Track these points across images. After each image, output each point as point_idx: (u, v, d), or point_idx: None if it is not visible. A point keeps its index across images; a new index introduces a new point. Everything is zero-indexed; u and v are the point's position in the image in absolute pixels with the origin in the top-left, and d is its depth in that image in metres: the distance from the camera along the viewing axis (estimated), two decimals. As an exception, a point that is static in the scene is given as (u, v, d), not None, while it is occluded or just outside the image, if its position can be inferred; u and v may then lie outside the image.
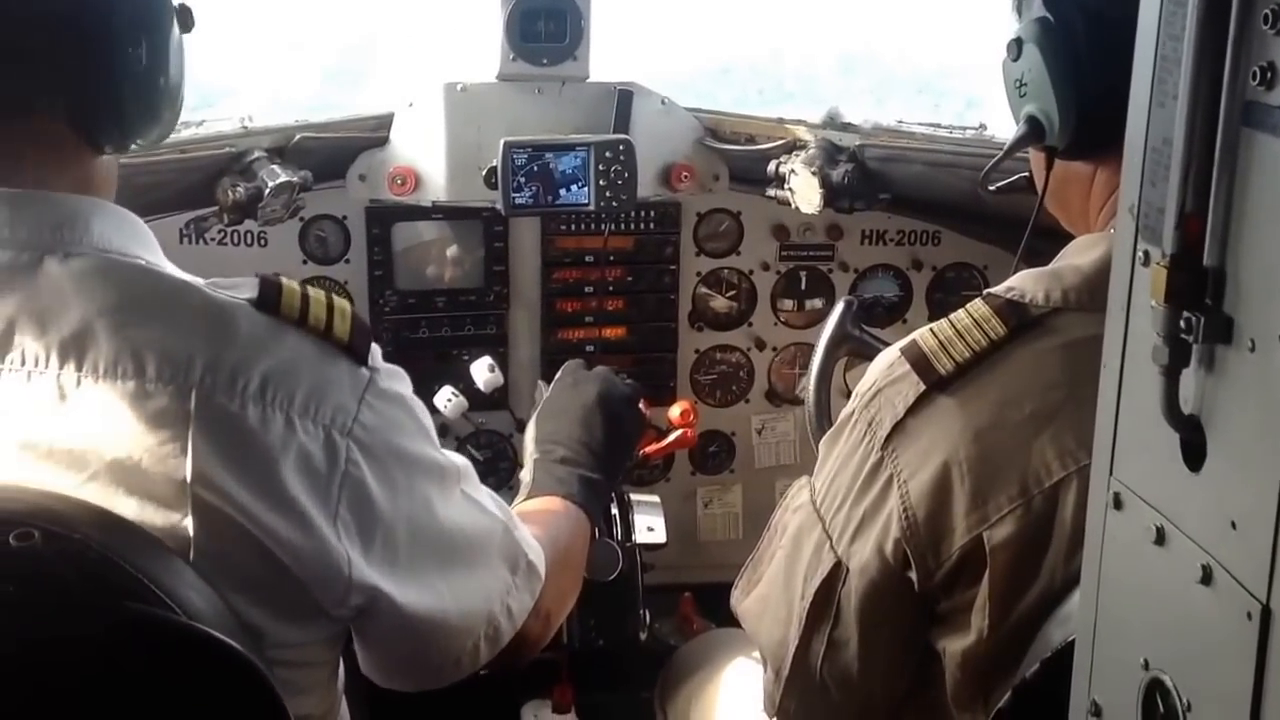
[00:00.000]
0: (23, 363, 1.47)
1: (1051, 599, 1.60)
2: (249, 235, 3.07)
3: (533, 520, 1.98)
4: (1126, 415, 1.19)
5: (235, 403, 1.49)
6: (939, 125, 2.93)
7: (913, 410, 1.72)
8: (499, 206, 2.95)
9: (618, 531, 2.69)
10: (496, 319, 3.27)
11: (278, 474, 1.50)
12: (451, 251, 3.21)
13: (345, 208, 3.15)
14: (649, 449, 2.78)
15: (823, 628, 1.83)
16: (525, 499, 2.20)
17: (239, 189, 2.77)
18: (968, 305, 1.74)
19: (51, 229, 1.54)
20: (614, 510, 2.72)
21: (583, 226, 3.26)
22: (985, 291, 1.75)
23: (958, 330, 1.72)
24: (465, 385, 3.00)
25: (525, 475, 2.28)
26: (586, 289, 3.30)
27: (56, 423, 1.47)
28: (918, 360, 1.73)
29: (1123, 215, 1.18)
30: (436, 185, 3.00)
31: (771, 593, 1.95)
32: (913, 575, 1.72)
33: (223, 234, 3.01)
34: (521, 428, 3.17)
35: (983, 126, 2.92)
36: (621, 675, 2.87)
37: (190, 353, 1.48)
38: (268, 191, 2.77)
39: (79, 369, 1.47)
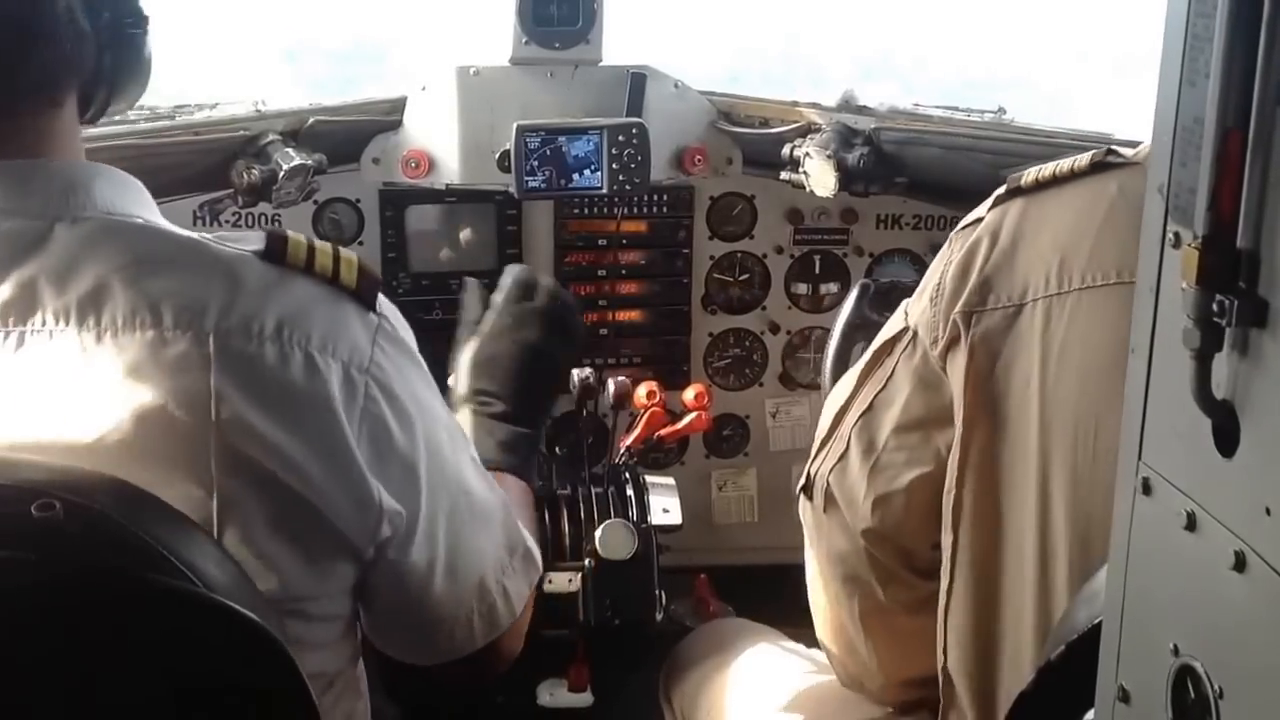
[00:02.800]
0: (43, 324, 1.49)
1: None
2: (263, 217, 3.07)
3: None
4: (1156, 399, 1.16)
5: (253, 344, 1.51)
6: (956, 109, 2.92)
7: (990, 210, 1.86)
8: (512, 190, 2.94)
9: (633, 513, 2.68)
10: (510, 302, 3.26)
11: (302, 409, 1.52)
12: (464, 234, 3.21)
13: (359, 190, 3.15)
14: (663, 432, 2.78)
15: (871, 388, 1.97)
16: None
17: (254, 171, 2.76)
18: None
19: (59, 196, 1.56)
20: (629, 492, 2.71)
21: (596, 210, 3.25)
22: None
23: (1056, 162, 1.83)
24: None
25: (463, 416, 2.20)
26: (600, 272, 3.30)
27: (81, 378, 1.49)
28: (1013, 176, 1.86)
29: (1151, 195, 1.17)
30: (450, 169, 2.99)
31: (847, 377, 2.07)
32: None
33: (236, 216, 3.01)
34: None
35: (1001, 110, 2.92)
36: (637, 655, 2.86)
37: (204, 300, 1.51)
38: (282, 174, 2.76)
39: (98, 324, 1.49)
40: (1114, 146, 1.78)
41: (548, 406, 2.32)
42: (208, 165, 2.82)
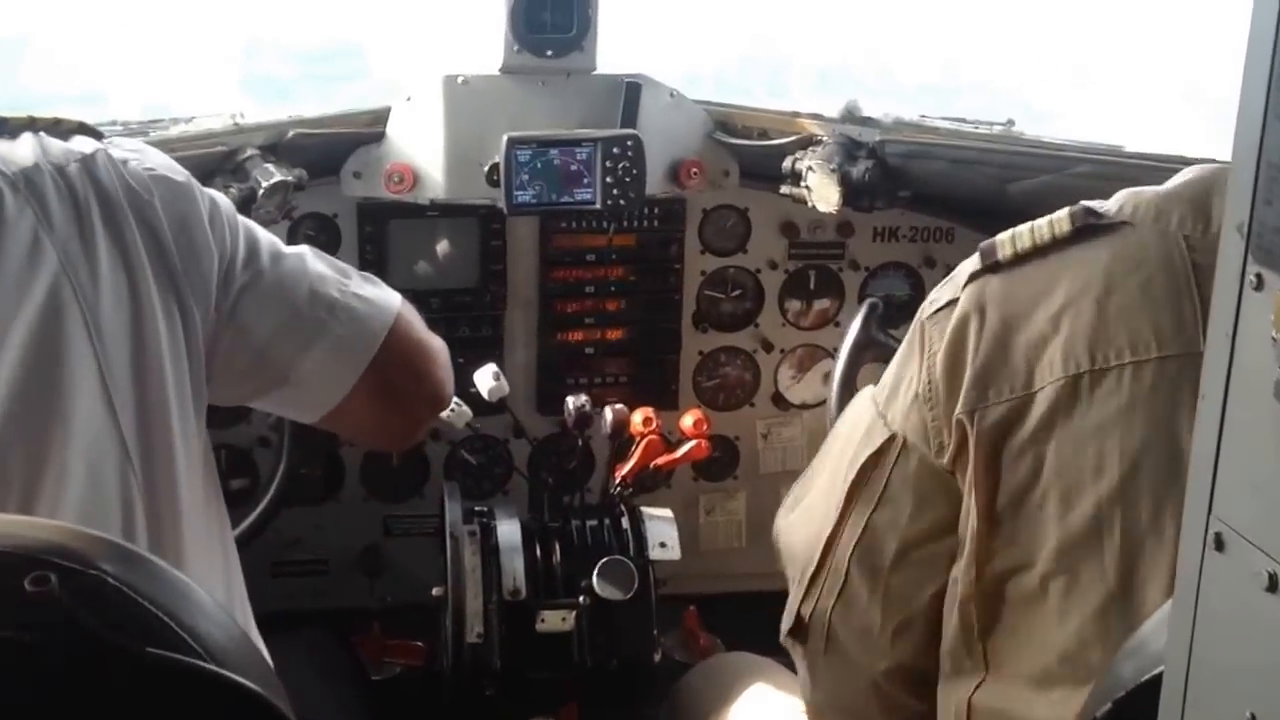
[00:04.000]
0: None
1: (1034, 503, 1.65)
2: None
3: None
4: (1231, 451, 1.10)
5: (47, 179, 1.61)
6: (964, 120, 2.83)
7: (964, 288, 1.74)
8: (501, 205, 2.82)
9: (630, 548, 2.58)
10: (493, 320, 3.15)
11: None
12: (446, 250, 3.09)
13: (336, 205, 3.02)
14: (660, 461, 2.68)
15: (862, 509, 1.83)
16: None
17: (231, 190, 2.63)
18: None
19: None
20: (625, 524, 2.61)
21: (583, 224, 3.13)
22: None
23: (1031, 229, 1.73)
24: (467, 391, 2.86)
25: None
26: (587, 288, 3.18)
27: None
28: (986, 249, 1.75)
29: (1229, 234, 1.09)
30: (435, 183, 2.87)
31: (815, 500, 1.94)
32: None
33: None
34: (518, 433, 3.09)
35: (1010, 122, 2.82)
36: (628, 694, 2.76)
37: None
38: (261, 192, 2.64)
39: None
40: (1091, 206, 1.69)
41: None
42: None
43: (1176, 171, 2.38)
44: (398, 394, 1.97)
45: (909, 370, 1.78)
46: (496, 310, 3.14)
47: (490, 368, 2.82)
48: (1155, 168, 2.46)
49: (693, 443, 2.68)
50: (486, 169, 2.79)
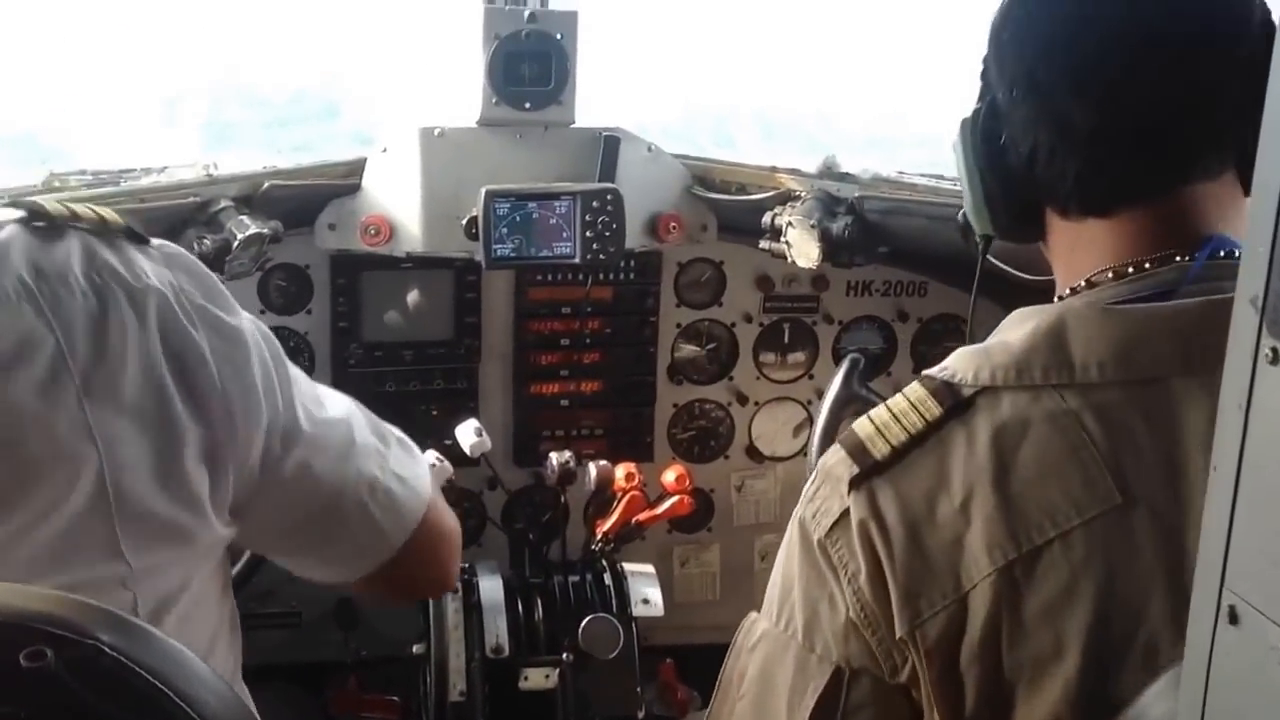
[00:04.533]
0: None
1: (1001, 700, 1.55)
2: (209, 287, 2.90)
3: None
4: (1244, 523, 1.08)
5: (67, 288, 1.46)
6: (942, 177, 2.83)
7: (850, 496, 1.62)
8: (479, 258, 2.81)
9: (613, 604, 2.56)
10: (468, 373, 3.13)
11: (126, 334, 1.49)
12: (420, 302, 3.06)
13: (308, 256, 2.99)
14: (642, 517, 2.66)
15: None
16: None
17: (205, 241, 2.60)
18: (905, 388, 1.66)
19: None
20: (608, 581, 2.59)
21: (558, 277, 3.12)
22: (922, 373, 1.68)
23: (894, 414, 1.64)
24: (444, 445, 2.84)
25: None
26: (562, 341, 3.17)
27: None
28: (854, 448, 1.64)
29: (1241, 308, 1.09)
30: (411, 236, 2.85)
31: None
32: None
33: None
34: (493, 485, 3.06)
35: (988, 179, 2.83)
36: None
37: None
38: (236, 244, 2.60)
39: None
40: (947, 379, 1.62)
41: None
42: (154, 234, 2.65)
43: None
44: (410, 578, 1.91)
45: (823, 593, 1.66)
46: (471, 363, 3.12)
47: (472, 423, 2.80)
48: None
49: (675, 498, 2.67)
50: (465, 222, 2.77)
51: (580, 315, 3.14)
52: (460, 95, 2.86)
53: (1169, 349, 1.58)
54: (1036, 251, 1.82)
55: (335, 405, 1.75)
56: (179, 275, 1.57)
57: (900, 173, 2.88)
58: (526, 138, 2.86)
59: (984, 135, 1.78)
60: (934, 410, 1.62)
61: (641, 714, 2.58)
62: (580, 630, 2.47)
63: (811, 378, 3.32)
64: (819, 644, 1.65)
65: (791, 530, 1.71)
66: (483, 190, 2.74)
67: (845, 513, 1.63)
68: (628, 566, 2.67)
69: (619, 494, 2.69)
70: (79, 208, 1.56)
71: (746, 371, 3.32)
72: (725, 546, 3.42)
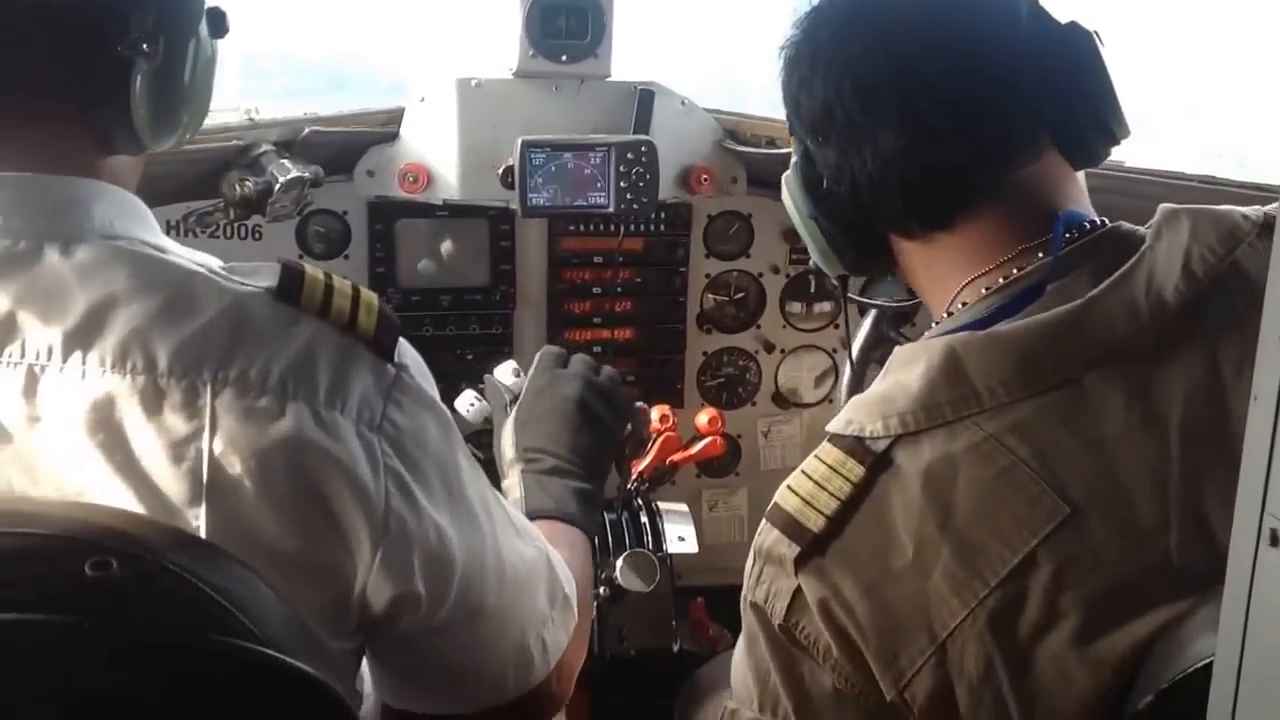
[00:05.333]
0: (23, 355, 1.37)
1: None
2: (242, 229, 2.96)
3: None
4: None
5: (250, 397, 1.38)
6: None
7: (799, 576, 1.60)
8: (514, 207, 2.87)
9: (648, 541, 2.62)
10: (502, 319, 3.19)
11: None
12: (457, 250, 3.12)
13: (346, 203, 3.05)
14: (676, 457, 2.72)
15: None
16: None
17: (247, 184, 2.66)
18: (817, 452, 1.64)
19: (49, 215, 1.43)
20: (644, 519, 2.65)
21: (591, 227, 3.18)
22: (829, 433, 1.65)
23: (816, 482, 1.61)
24: (482, 390, 2.90)
25: (512, 489, 2.14)
26: (595, 290, 3.22)
27: (60, 422, 1.37)
28: (788, 525, 1.61)
29: None
30: (449, 184, 2.91)
31: None
32: None
33: (214, 227, 2.87)
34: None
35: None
36: (641, 683, 2.80)
37: (204, 345, 1.38)
38: (278, 187, 2.66)
39: (84, 362, 1.36)
40: (859, 435, 1.60)
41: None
42: (197, 175, 2.72)
43: (1176, 187, 2.43)
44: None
45: (804, 670, 1.65)
46: (506, 309, 3.19)
47: (510, 364, 2.84)
48: (1155, 182, 2.51)
49: (708, 439, 2.72)
50: (501, 171, 2.83)
51: (612, 265, 3.20)
52: (497, 47, 2.91)
53: (1067, 352, 1.58)
54: None
55: (525, 565, 1.68)
56: (392, 406, 1.47)
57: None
58: (563, 90, 2.91)
59: (806, 184, 1.80)
60: (856, 470, 1.58)
61: (676, 647, 2.64)
62: (618, 564, 2.53)
63: (837, 327, 3.39)
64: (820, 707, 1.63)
65: (748, 618, 1.69)
66: (519, 140, 2.80)
67: (798, 591, 1.59)
68: (663, 505, 2.73)
69: (654, 435, 2.74)
70: (338, 294, 1.48)
71: (773, 321, 3.38)
72: (752, 490, 3.50)
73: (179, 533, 1.36)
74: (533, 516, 2.00)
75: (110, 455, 1.36)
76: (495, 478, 2.87)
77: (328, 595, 1.46)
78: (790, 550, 1.60)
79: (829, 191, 1.77)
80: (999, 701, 1.52)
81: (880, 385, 1.67)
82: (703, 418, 2.78)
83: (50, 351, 1.37)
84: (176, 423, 1.36)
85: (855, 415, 1.64)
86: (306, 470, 1.40)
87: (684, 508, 2.78)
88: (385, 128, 2.94)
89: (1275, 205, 1.71)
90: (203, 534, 1.37)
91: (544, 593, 1.71)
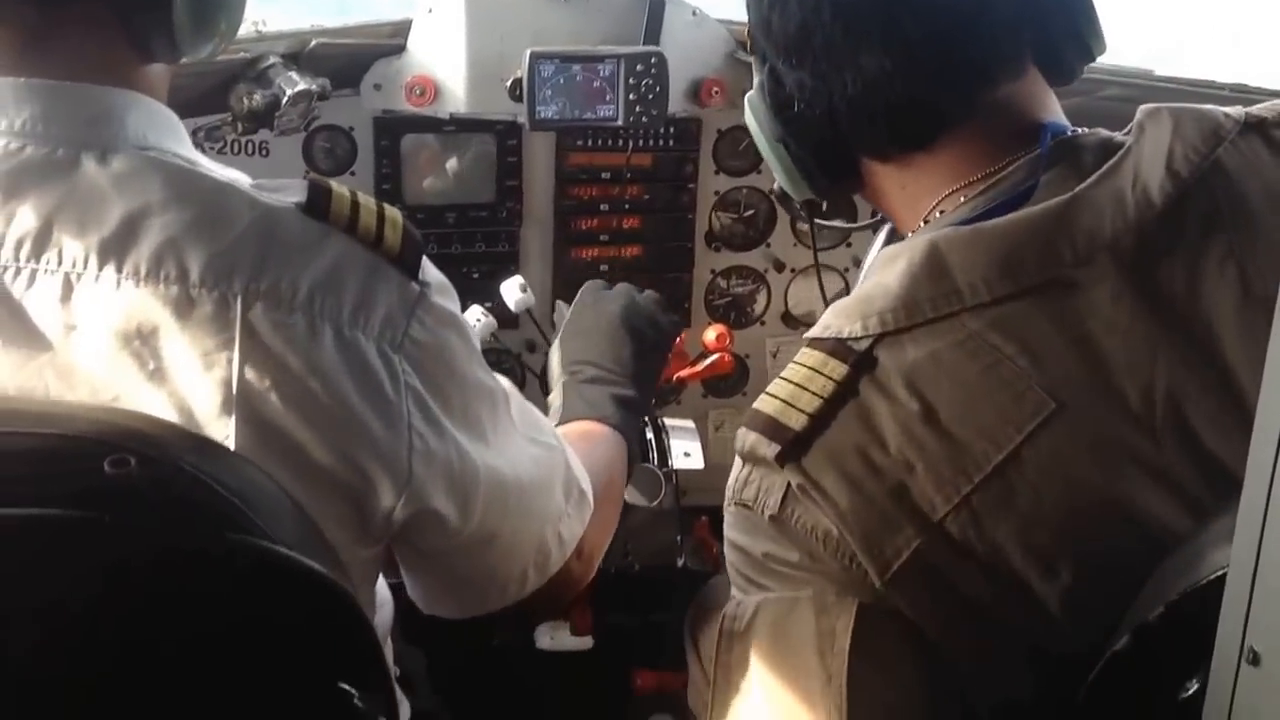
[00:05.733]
0: (59, 264, 1.40)
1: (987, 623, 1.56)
2: (249, 145, 2.94)
3: (576, 446, 1.93)
4: None
5: (282, 311, 1.42)
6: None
7: (785, 471, 1.60)
8: (522, 120, 2.84)
9: (654, 457, 2.62)
10: (508, 235, 3.17)
11: (329, 384, 1.44)
12: (463, 165, 3.09)
13: (353, 118, 3.02)
14: (684, 373, 2.72)
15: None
16: (558, 425, 2.13)
17: (255, 97, 2.64)
18: (796, 357, 1.65)
19: (86, 124, 1.45)
20: (649, 435, 2.65)
21: (599, 142, 3.14)
22: (807, 338, 1.66)
23: (797, 384, 1.62)
24: (492, 304, 2.89)
25: (554, 399, 2.22)
26: (602, 206, 3.20)
27: (94, 329, 1.40)
28: (767, 426, 1.62)
29: None
30: (456, 97, 2.87)
31: None
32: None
33: (221, 143, 2.87)
34: (531, 347, 3.12)
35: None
36: (644, 599, 2.82)
37: (235, 257, 1.41)
38: (285, 100, 2.64)
39: (119, 270, 1.39)
40: (840, 336, 1.61)
41: (642, 371, 2.26)
42: (204, 89, 2.69)
43: (1206, 97, 2.41)
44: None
45: (801, 552, 1.63)
46: (513, 226, 3.16)
47: (517, 279, 2.85)
48: (1184, 91, 2.49)
49: (715, 355, 2.71)
50: (509, 84, 2.80)
51: (620, 181, 3.17)
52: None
53: (1053, 247, 1.57)
54: None
55: (543, 469, 1.74)
56: (415, 324, 1.51)
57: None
58: (571, 1, 2.87)
59: (775, 106, 1.78)
60: (839, 369, 1.59)
61: (681, 563, 2.65)
62: None
63: (849, 245, 3.36)
64: (827, 589, 1.61)
65: (735, 516, 1.69)
66: (527, 52, 2.76)
67: (789, 486, 1.60)
68: (669, 421, 2.73)
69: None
70: (364, 210, 1.50)
71: (784, 239, 3.35)
72: (759, 410, 3.48)
73: (196, 436, 1.40)
74: (569, 419, 2.10)
75: (143, 364, 1.40)
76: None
77: (350, 508, 1.49)
78: (771, 449, 1.60)
79: (800, 114, 1.75)
80: (979, 593, 1.55)
81: (861, 287, 1.67)
82: (710, 334, 2.77)
83: (86, 260, 1.39)
84: (207, 334, 1.39)
85: (834, 319, 1.64)
86: (331, 387, 1.43)
87: (690, 424, 2.78)
88: (392, 39, 2.90)
89: (1262, 105, 1.72)
90: (231, 445, 1.40)
91: (560, 490, 1.76)
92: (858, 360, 1.59)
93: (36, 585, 1.23)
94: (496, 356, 3.19)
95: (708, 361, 2.71)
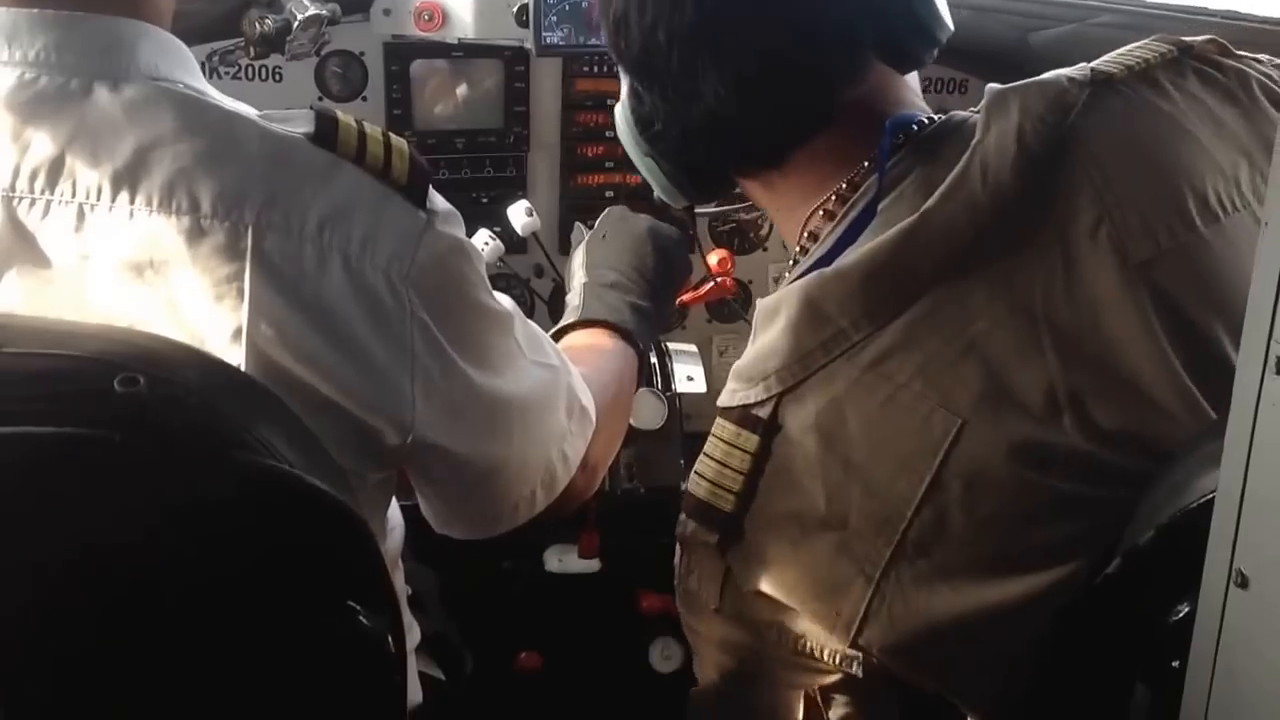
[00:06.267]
0: (73, 194, 1.42)
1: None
2: (263, 70, 2.95)
3: (583, 359, 1.97)
4: None
5: (292, 242, 1.43)
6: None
7: (729, 559, 1.65)
8: (529, 46, 2.85)
9: (657, 381, 2.65)
10: (516, 161, 3.18)
11: (337, 315, 1.46)
12: (471, 91, 3.11)
13: (363, 43, 3.03)
14: (687, 297, 2.74)
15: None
16: (573, 323, 2.17)
17: (266, 21, 2.66)
18: (713, 429, 1.69)
19: (99, 54, 1.46)
20: (652, 359, 2.68)
21: (605, 69, 3.14)
22: (719, 406, 1.69)
23: (719, 461, 1.66)
24: (500, 228, 2.91)
25: (573, 298, 2.25)
26: (608, 133, 3.19)
27: (107, 258, 1.42)
28: (700, 511, 1.67)
29: None
30: (464, 22, 2.88)
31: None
32: None
33: (235, 68, 2.89)
34: (539, 272, 3.14)
35: (1037, -32, 2.83)
36: (649, 522, 2.85)
37: (246, 188, 1.43)
38: (296, 25, 2.66)
39: (131, 201, 1.41)
40: (744, 404, 1.66)
41: (661, 285, 2.30)
42: (217, 14, 2.70)
43: (1198, 24, 2.40)
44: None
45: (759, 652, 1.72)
46: (520, 152, 3.18)
47: (523, 203, 2.87)
48: (1177, 19, 2.48)
49: (718, 279, 2.73)
50: (515, 9, 2.81)
51: None
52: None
53: (916, 267, 1.56)
54: None
55: (545, 389, 1.76)
56: (423, 252, 1.52)
57: (946, -37, 2.88)
58: (579, -75, 2.87)
59: (639, 123, 1.79)
60: (751, 440, 1.63)
61: (684, 486, 2.67)
62: None
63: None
64: (778, 672, 1.72)
65: (684, 600, 1.75)
66: (534, -23, 2.77)
67: (728, 573, 1.65)
68: (672, 346, 2.75)
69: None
70: (371, 140, 1.51)
71: (790, 166, 3.34)
72: (762, 336, 3.49)
73: (207, 355, 1.41)
74: (584, 320, 2.12)
75: (155, 293, 1.42)
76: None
77: (357, 436, 1.51)
78: (711, 536, 1.65)
79: (661, 133, 1.76)
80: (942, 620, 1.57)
81: (752, 347, 1.68)
82: (712, 258, 2.79)
83: (99, 190, 1.41)
84: (218, 263, 1.41)
85: (737, 384, 1.67)
86: (338, 317, 1.45)
87: (693, 348, 2.80)
88: (400, -35, 2.91)
89: (1109, 60, 1.69)
90: (243, 369, 1.43)
91: (563, 409, 1.78)
92: (766, 428, 1.61)
93: (47, 503, 1.26)
94: (505, 281, 3.22)
95: (710, 285, 2.73)
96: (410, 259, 1.49)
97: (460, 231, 1.60)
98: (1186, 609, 1.33)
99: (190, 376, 1.34)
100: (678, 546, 1.73)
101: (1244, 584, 1.21)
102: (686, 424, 2.69)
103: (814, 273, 1.62)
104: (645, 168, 1.85)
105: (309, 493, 1.35)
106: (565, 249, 3.26)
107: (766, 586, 1.62)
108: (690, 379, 2.68)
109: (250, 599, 1.37)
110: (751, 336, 1.70)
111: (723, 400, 1.68)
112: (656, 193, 1.91)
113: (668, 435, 2.59)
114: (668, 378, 2.67)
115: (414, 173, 1.52)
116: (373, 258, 1.47)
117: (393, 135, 1.55)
